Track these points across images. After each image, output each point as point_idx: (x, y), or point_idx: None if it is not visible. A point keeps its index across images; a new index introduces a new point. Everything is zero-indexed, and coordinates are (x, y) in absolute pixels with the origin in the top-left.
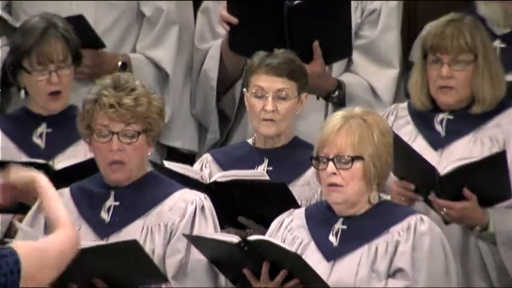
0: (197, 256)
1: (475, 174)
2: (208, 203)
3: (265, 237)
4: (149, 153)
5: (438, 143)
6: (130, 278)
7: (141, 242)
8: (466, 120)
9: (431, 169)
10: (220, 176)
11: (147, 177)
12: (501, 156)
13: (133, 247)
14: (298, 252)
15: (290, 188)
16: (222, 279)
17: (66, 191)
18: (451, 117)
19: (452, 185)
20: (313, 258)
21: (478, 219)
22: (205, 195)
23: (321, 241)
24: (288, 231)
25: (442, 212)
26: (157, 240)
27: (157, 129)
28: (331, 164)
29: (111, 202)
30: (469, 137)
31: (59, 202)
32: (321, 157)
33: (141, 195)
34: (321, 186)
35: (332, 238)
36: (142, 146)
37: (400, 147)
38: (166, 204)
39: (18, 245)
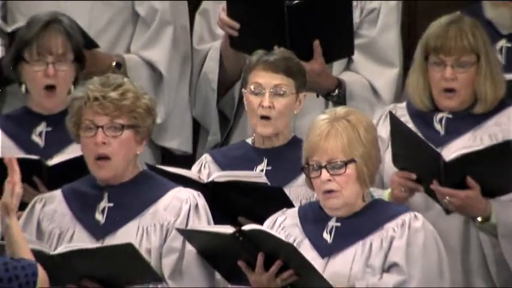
0: (193, 255)
1: (480, 162)
2: (202, 201)
3: (260, 227)
4: (138, 152)
5: (438, 142)
6: (124, 278)
7: (137, 242)
8: (466, 119)
9: (437, 155)
10: (218, 176)
11: (139, 177)
12: (507, 145)
13: (129, 250)
14: None
15: (289, 188)
16: (219, 277)
17: (58, 192)
18: (450, 116)
19: (456, 173)
20: (308, 256)
21: (481, 209)
22: (199, 192)
23: (315, 238)
24: (282, 229)
25: (445, 201)
26: (154, 240)
27: (144, 125)
28: (324, 171)
29: (105, 203)
30: (468, 136)
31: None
32: (312, 165)
33: (135, 195)
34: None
35: (326, 235)
36: (129, 142)
37: (404, 134)
38: (161, 204)
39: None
